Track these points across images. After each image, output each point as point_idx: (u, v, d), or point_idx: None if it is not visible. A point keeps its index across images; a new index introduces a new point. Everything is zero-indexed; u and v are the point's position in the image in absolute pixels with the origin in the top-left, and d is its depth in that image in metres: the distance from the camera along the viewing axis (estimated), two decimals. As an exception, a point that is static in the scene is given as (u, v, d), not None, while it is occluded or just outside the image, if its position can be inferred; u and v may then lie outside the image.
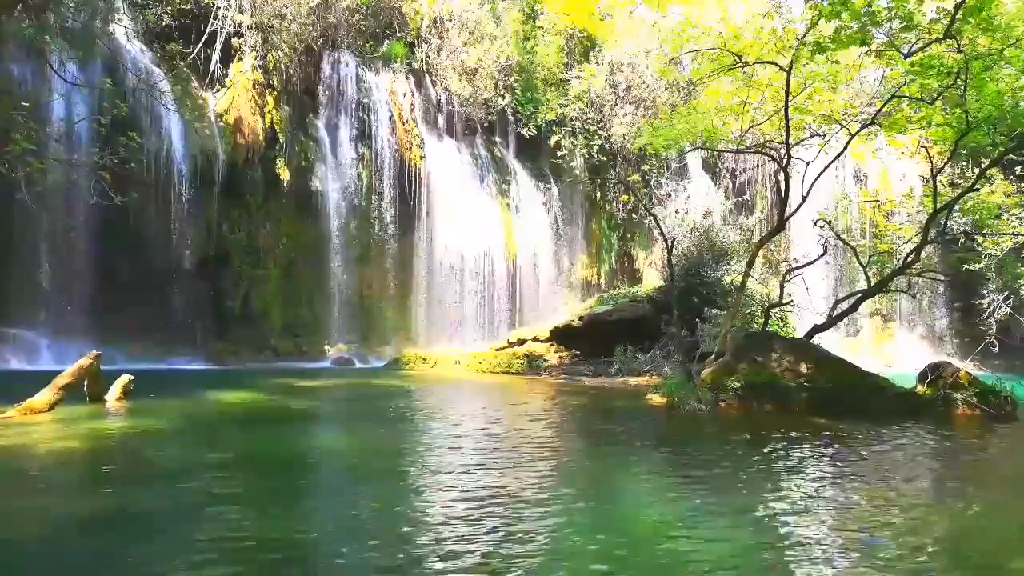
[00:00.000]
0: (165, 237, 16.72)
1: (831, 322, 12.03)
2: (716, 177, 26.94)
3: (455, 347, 19.79)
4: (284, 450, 6.74)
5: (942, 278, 18.82)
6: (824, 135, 12.73)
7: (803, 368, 10.16)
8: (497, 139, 24.53)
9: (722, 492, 5.33)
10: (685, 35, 12.92)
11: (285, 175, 19.25)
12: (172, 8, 17.84)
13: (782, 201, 12.41)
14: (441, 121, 23.15)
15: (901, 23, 9.94)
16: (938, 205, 11.58)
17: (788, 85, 10.62)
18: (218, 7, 18.15)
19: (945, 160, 12.98)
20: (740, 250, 17.48)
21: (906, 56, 10.26)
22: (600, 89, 24.34)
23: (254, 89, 18.87)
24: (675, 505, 4.98)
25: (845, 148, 12.25)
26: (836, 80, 11.73)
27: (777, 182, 19.17)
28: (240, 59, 18.84)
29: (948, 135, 11.20)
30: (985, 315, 19.96)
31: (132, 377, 9.19)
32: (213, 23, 18.14)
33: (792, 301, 13.01)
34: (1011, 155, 12.43)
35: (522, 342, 18.00)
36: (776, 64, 11.13)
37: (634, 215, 25.45)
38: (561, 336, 17.45)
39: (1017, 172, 17.71)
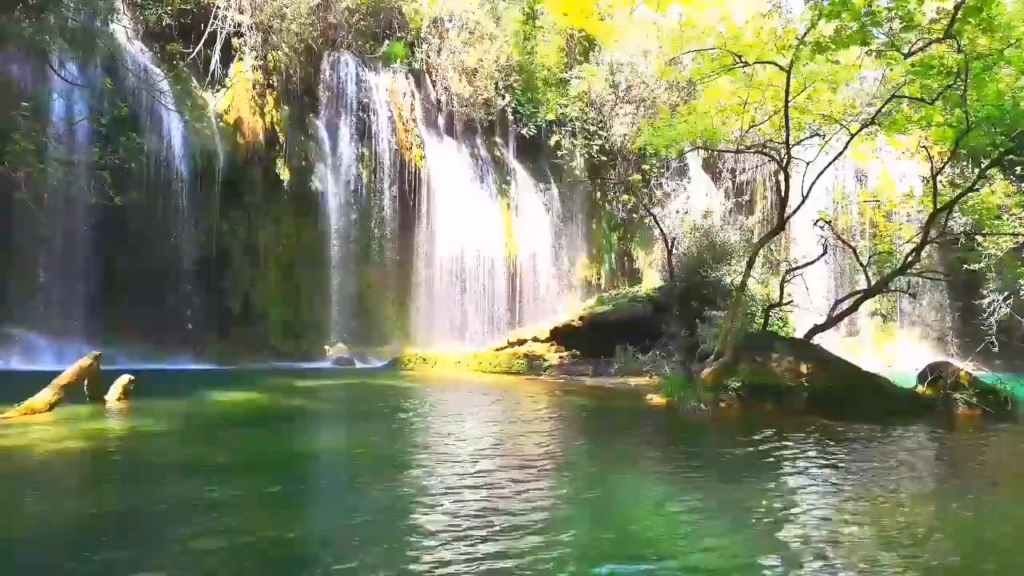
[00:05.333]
0: (165, 237, 16.67)
1: (831, 322, 12.04)
2: (716, 177, 26.94)
3: (455, 347, 19.78)
4: (284, 451, 6.74)
5: (942, 278, 18.81)
6: (824, 135, 12.72)
7: (803, 368, 10.17)
8: (497, 139, 24.52)
9: (723, 493, 5.33)
10: (685, 35, 12.93)
11: (285, 175, 19.25)
12: (172, 8, 17.81)
13: (782, 201, 12.42)
14: (441, 121, 23.14)
15: (901, 23, 9.95)
16: (938, 205, 11.58)
17: (788, 85, 10.62)
18: (218, 7, 18.15)
19: (945, 160, 12.98)
20: (740, 250, 17.44)
21: (906, 56, 10.26)
22: (600, 89, 24.34)
23: (254, 89, 18.86)
24: (675, 505, 4.97)
25: (845, 148, 12.25)
26: (836, 80, 11.72)
27: (777, 182, 19.15)
28: (240, 59, 18.83)
29: (948, 135, 11.20)
30: (985, 315, 19.92)
31: (132, 377, 9.18)
32: (213, 23, 18.13)
33: (792, 301, 13.01)
34: (1011, 155, 12.41)
35: (522, 342, 17.99)
36: (776, 64, 11.12)
37: (634, 215, 25.45)
38: (561, 336, 17.44)
39: (1017, 172, 17.66)
